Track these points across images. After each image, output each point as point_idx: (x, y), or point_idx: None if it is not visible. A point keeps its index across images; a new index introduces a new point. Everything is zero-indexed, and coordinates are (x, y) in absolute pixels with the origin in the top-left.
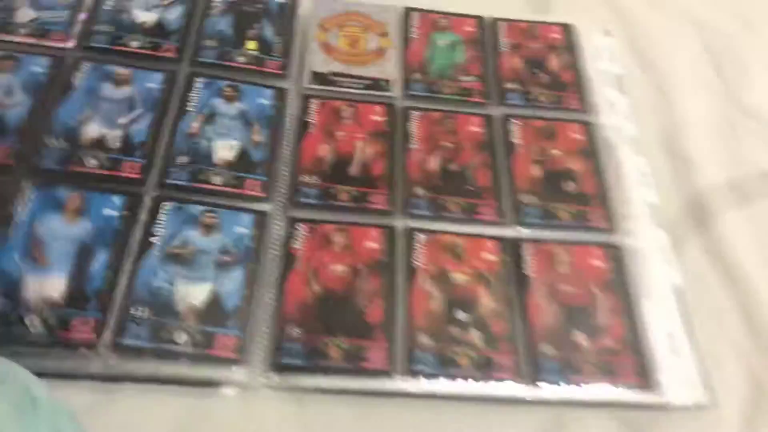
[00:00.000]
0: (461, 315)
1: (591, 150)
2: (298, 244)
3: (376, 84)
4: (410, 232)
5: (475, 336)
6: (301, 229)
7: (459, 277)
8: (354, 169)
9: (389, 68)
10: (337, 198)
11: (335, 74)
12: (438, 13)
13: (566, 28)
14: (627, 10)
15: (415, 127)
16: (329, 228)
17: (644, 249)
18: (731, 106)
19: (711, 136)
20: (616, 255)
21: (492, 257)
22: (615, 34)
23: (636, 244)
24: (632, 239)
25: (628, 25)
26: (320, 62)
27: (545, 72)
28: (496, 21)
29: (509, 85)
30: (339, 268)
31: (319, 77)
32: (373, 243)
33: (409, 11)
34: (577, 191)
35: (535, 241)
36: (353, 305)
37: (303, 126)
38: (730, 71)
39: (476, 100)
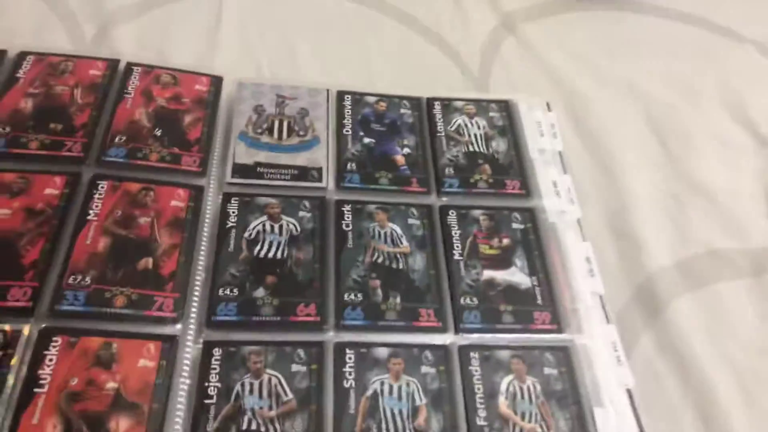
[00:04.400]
0: None
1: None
2: None
3: None
4: None
5: None
6: None
7: None
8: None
9: None
10: None
11: None
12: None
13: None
14: (568, 83)
15: None
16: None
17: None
18: (678, 181)
19: (658, 214)
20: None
21: None
22: (555, 108)
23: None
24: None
25: (569, 98)
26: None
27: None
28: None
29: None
30: None
31: None
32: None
33: None
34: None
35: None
36: None
37: None
38: (674, 144)
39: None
